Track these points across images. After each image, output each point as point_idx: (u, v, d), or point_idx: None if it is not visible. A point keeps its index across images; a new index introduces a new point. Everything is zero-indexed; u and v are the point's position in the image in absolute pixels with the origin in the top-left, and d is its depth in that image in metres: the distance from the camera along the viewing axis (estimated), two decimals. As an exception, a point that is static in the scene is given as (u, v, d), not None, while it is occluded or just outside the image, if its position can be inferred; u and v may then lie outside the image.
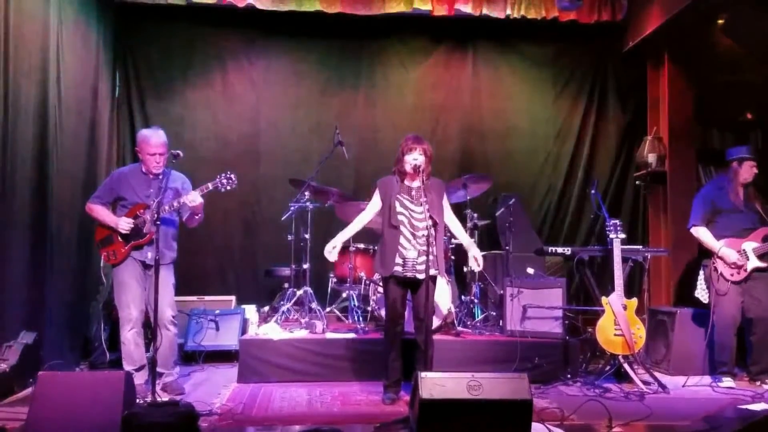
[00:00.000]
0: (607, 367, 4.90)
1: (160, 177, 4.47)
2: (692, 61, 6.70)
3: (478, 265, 4.41)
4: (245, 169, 6.47)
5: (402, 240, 4.21)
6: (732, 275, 4.93)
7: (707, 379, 5.02)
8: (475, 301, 5.79)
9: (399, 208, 4.24)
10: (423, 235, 4.14)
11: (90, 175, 5.75)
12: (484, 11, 6.53)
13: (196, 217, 4.61)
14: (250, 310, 5.82)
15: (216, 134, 6.81)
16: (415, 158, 4.22)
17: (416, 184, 4.25)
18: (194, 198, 4.38)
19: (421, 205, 4.17)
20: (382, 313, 5.27)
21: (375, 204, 4.38)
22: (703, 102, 6.75)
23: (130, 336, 4.38)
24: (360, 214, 4.48)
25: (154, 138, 4.47)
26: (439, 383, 3.22)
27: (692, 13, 5.96)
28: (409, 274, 4.19)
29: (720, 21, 6.40)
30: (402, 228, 4.21)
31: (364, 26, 6.82)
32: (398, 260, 4.20)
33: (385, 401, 4.23)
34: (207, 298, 6.03)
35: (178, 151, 4.22)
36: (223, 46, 6.87)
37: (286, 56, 6.98)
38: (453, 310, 5.44)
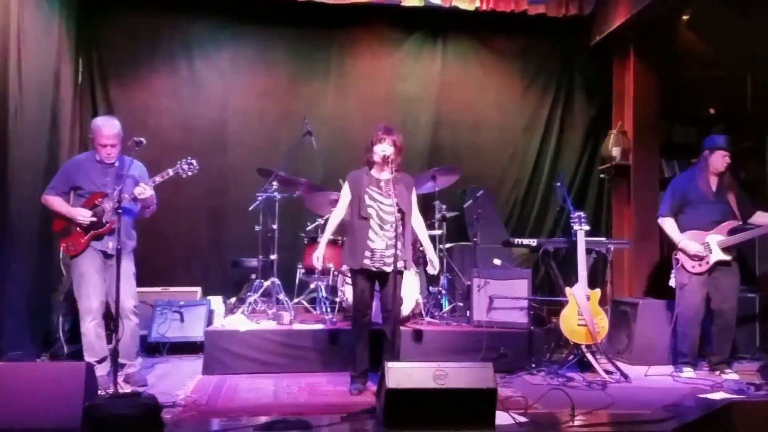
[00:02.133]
0: (571, 357, 4.97)
1: (116, 165, 4.40)
2: (658, 57, 6.80)
3: (434, 269, 4.45)
4: (212, 157, 6.40)
5: (370, 232, 4.22)
6: (693, 267, 4.99)
7: (668, 368, 5.11)
8: (443, 292, 5.82)
9: (368, 201, 4.25)
10: (391, 228, 4.17)
11: (52, 163, 5.60)
12: (454, 3, 6.51)
13: (148, 209, 4.55)
14: (216, 302, 5.76)
15: (182, 122, 6.69)
16: (384, 149, 4.23)
17: (385, 175, 4.25)
18: (142, 191, 4.29)
19: (390, 197, 4.18)
20: (350, 303, 5.27)
21: (345, 196, 4.37)
22: (668, 97, 6.86)
23: (91, 327, 4.30)
24: (333, 213, 4.45)
25: (106, 128, 4.35)
26: (405, 373, 3.23)
27: (658, 9, 6.04)
28: (376, 265, 4.20)
29: (685, 17, 6.51)
30: (371, 220, 4.22)
31: (334, 15, 6.77)
32: (367, 253, 4.21)
33: (352, 392, 4.24)
34: (172, 289, 5.95)
35: (141, 139, 4.17)
36: (189, 32, 6.76)
37: (255, 44, 6.90)
38: (421, 300, 5.47)
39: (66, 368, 3.45)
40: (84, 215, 4.28)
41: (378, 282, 4.33)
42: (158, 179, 4.40)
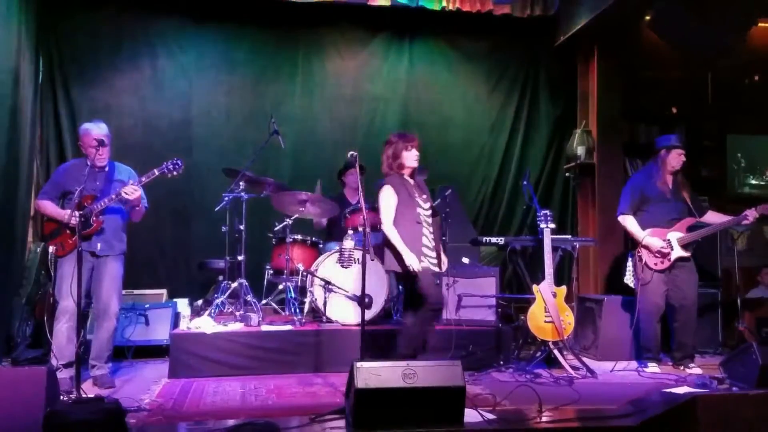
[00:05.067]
0: (538, 354, 5.02)
1: (106, 169, 4.51)
2: (621, 57, 6.92)
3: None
4: (176, 157, 6.29)
5: (423, 238, 4.29)
6: (656, 264, 5.08)
7: (633, 364, 5.20)
8: (412, 291, 5.81)
9: (418, 209, 4.32)
10: (431, 231, 4.35)
11: (11, 164, 5.47)
12: (420, 3, 6.53)
13: (137, 208, 4.58)
14: (182, 304, 5.68)
15: (145, 122, 6.57)
16: (416, 156, 4.36)
17: (411, 181, 4.40)
18: (129, 191, 4.35)
19: (427, 201, 4.37)
20: (320, 304, 5.25)
21: (393, 204, 4.27)
22: (631, 96, 6.99)
23: (65, 329, 4.29)
24: (387, 223, 4.25)
25: (95, 131, 4.46)
26: (374, 372, 3.21)
27: (620, 9, 6.13)
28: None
29: (647, 17, 6.62)
30: (423, 226, 4.30)
31: (300, 14, 6.74)
32: (426, 252, 4.28)
33: None
34: (136, 291, 5.82)
35: (101, 137, 4.24)
36: (152, 31, 6.64)
37: (219, 43, 6.81)
38: (391, 300, 5.47)
39: (26, 374, 3.34)
40: (74, 217, 4.30)
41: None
42: (144, 179, 4.45)
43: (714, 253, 6.23)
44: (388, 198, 4.28)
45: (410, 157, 4.34)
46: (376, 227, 5.56)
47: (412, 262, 4.16)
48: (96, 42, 6.51)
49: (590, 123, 6.99)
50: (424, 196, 4.38)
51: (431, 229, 4.36)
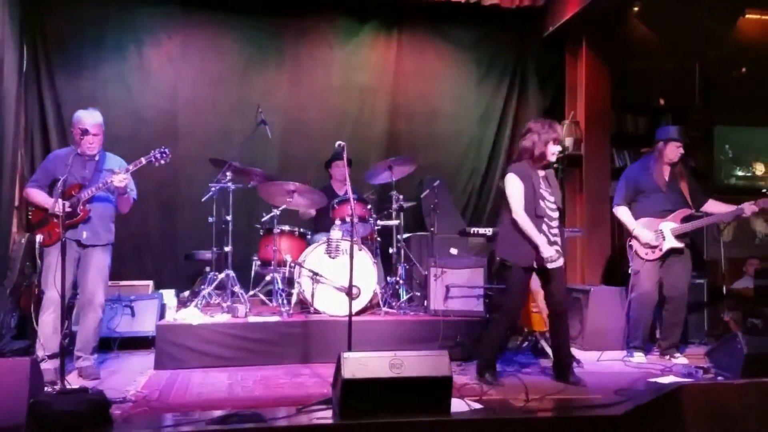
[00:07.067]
0: (525, 343, 5.05)
1: (96, 158, 4.47)
2: (609, 48, 6.90)
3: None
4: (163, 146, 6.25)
5: (543, 230, 4.18)
6: (646, 254, 5.09)
7: (620, 354, 5.20)
8: (401, 281, 5.82)
9: (542, 201, 4.20)
10: (555, 224, 4.21)
11: (-5, 154, 5.42)
12: (409, -9, 6.51)
13: (125, 197, 4.55)
14: (168, 295, 5.65)
15: (131, 111, 6.48)
16: (558, 149, 4.24)
17: (541, 173, 4.27)
18: (118, 180, 4.33)
19: (553, 194, 4.24)
20: (308, 295, 5.24)
21: (520, 191, 4.17)
22: (619, 87, 6.99)
23: (50, 321, 4.27)
24: (518, 210, 4.15)
25: (87, 118, 4.42)
26: (361, 363, 3.22)
27: (609, 0, 6.12)
28: (541, 262, 4.16)
29: (635, 8, 6.63)
30: (543, 219, 4.18)
31: (288, 3, 6.69)
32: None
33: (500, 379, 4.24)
34: (122, 283, 5.77)
35: (86, 127, 4.19)
36: (138, 19, 6.55)
37: (207, 31, 6.72)
38: (379, 291, 5.47)
39: (9, 364, 3.32)
40: (60, 206, 4.24)
41: (541, 277, 4.34)
42: (131, 168, 4.43)
43: (700, 243, 6.27)
44: (513, 185, 4.19)
45: (554, 152, 4.20)
46: (363, 218, 5.59)
47: (547, 252, 4.09)
48: (81, 30, 6.41)
49: (578, 114, 6.98)
50: (549, 190, 4.23)
51: (554, 224, 4.22)
